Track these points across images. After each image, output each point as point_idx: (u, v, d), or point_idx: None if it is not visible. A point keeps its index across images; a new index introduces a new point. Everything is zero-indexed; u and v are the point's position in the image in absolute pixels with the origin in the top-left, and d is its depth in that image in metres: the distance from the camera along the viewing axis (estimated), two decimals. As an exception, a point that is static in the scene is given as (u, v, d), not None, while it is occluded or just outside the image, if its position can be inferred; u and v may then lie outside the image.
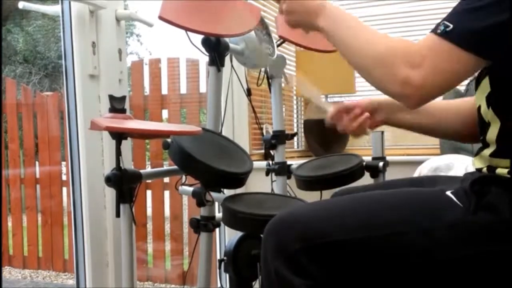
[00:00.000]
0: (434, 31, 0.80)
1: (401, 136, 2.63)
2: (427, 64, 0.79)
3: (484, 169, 0.87)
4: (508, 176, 0.81)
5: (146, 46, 7.79)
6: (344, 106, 1.18)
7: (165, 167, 1.99)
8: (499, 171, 0.83)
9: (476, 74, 0.91)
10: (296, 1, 0.98)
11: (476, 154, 0.92)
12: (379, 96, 1.10)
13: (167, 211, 2.81)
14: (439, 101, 1.17)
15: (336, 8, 0.96)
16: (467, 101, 1.09)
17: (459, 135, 1.12)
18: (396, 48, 0.83)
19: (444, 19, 0.80)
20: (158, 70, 2.78)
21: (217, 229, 1.45)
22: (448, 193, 0.85)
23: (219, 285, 1.40)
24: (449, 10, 0.81)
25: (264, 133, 1.91)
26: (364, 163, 1.57)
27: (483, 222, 0.79)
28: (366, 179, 1.55)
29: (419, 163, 1.82)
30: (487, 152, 0.86)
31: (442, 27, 0.79)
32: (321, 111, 1.22)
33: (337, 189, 1.23)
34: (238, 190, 1.34)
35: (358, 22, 0.92)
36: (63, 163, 3.04)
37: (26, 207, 3.11)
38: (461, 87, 2.27)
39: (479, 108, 0.89)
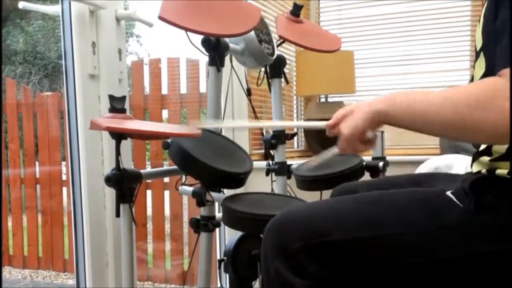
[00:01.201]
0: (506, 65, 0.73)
1: (401, 136, 2.63)
2: None
3: (484, 171, 0.87)
4: (508, 176, 0.81)
5: (146, 47, 7.79)
6: (340, 115, 1.16)
7: (165, 167, 1.99)
8: (499, 171, 0.83)
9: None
10: (344, 111, 0.90)
11: (473, 159, 0.91)
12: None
13: (167, 211, 2.80)
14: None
15: (389, 96, 0.85)
16: None
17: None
18: (487, 86, 0.74)
19: None
20: (158, 70, 2.78)
21: (217, 229, 1.45)
22: (449, 193, 0.85)
23: (219, 285, 1.40)
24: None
25: (264, 133, 1.91)
26: (364, 163, 1.57)
27: (483, 222, 0.79)
28: (366, 179, 1.55)
29: (419, 163, 1.82)
30: (486, 158, 0.86)
31: None
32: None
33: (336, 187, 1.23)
34: (238, 190, 1.34)
35: (418, 92, 0.82)
36: (63, 163, 3.04)
37: (26, 207, 3.11)
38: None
39: None
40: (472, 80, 0.93)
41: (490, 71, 0.83)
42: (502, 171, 0.82)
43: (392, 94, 0.85)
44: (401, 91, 0.87)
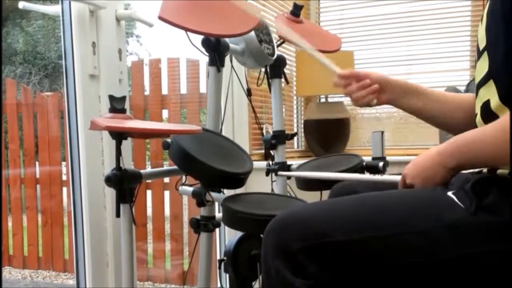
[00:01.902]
0: None
1: (401, 136, 2.63)
2: None
3: (485, 170, 0.87)
4: (509, 177, 0.81)
5: (146, 47, 7.79)
6: (356, 72, 1.18)
7: (165, 167, 1.99)
8: (500, 171, 0.83)
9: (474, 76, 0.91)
10: (414, 169, 0.92)
11: None
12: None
13: (167, 211, 2.80)
14: (444, 91, 1.17)
15: (447, 142, 0.88)
16: (470, 96, 1.09)
17: (458, 127, 1.13)
18: None
19: None
20: (158, 70, 2.78)
21: (217, 229, 1.45)
22: (449, 193, 0.85)
23: (219, 285, 1.40)
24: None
25: (264, 133, 1.91)
26: (364, 163, 1.57)
27: (483, 222, 0.79)
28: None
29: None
30: None
31: None
32: (328, 69, 1.19)
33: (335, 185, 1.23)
34: (238, 190, 1.34)
35: (473, 134, 0.86)
36: (63, 163, 3.04)
37: (26, 207, 3.11)
38: (461, 87, 2.27)
39: (486, 105, 0.88)
40: (473, 79, 0.93)
41: (493, 72, 0.84)
42: (503, 171, 0.82)
43: (456, 144, 0.87)
44: (463, 138, 0.87)
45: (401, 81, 1.18)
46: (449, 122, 1.15)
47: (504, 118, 0.80)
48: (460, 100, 1.13)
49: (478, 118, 0.90)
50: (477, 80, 0.92)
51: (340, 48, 1.65)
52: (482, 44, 0.88)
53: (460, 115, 1.11)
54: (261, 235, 0.88)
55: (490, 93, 0.87)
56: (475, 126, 0.92)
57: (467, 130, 1.05)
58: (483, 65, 0.89)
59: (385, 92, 1.17)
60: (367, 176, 1.18)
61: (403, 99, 1.17)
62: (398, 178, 0.98)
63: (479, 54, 0.90)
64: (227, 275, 1.30)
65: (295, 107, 2.87)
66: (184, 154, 1.16)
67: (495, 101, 0.86)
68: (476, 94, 0.92)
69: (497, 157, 0.81)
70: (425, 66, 2.61)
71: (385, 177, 1.06)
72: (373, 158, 1.66)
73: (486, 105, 0.88)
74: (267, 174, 1.69)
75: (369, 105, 1.18)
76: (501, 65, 0.83)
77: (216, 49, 1.34)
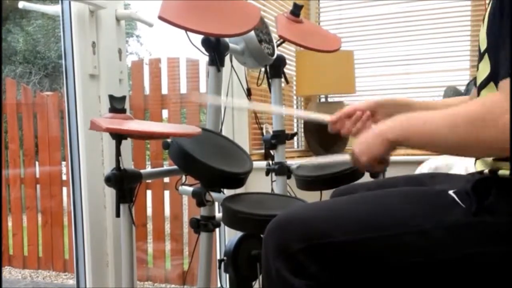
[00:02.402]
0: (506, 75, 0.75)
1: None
2: None
3: (486, 171, 0.87)
4: (510, 177, 0.81)
5: (146, 47, 7.79)
6: (344, 112, 1.18)
7: (165, 167, 1.99)
8: (502, 172, 0.83)
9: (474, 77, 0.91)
10: (362, 143, 0.94)
11: (477, 157, 0.91)
12: (376, 97, 1.10)
13: (167, 211, 2.80)
14: (438, 100, 1.18)
15: (395, 120, 0.90)
16: (460, 100, 1.10)
17: None
18: (484, 104, 0.77)
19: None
20: (158, 70, 2.78)
21: (217, 229, 1.45)
22: (451, 193, 0.85)
23: (219, 285, 1.40)
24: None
25: (264, 133, 1.91)
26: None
27: (484, 223, 0.79)
28: (366, 179, 1.54)
29: (419, 163, 1.82)
30: (490, 157, 0.86)
31: None
32: (317, 121, 1.21)
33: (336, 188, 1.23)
34: (238, 190, 1.34)
35: (421, 113, 0.87)
36: (63, 163, 3.04)
37: (26, 207, 3.11)
38: (461, 87, 2.27)
39: None
40: (475, 80, 0.93)
41: (494, 74, 0.84)
42: (504, 172, 0.82)
43: (401, 119, 0.88)
44: (409, 115, 0.89)
45: (390, 99, 1.18)
46: None
47: (462, 107, 0.81)
48: (449, 105, 1.13)
49: None
50: (479, 81, 0.92)
51: (340, 48, 1.65)
52: (483, 46, 0.89)
53: None
54: (261, 235, 0.88)
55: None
56: None
57: None
58: (485, 67, 0.89)
59: (378, 113, 1.18)
60: (317, 159, 1.19)
61: (397, 114, 1.17)
62: (346, 156, 1.00)
63: (481, 56, 0.90)
64: (227, 275, 1.30)
65: (295, 107, 2.87)
66: (184, 154, 1.16)
67: None
68: (478, 95, 0.92)
69: (434, 141, 0.82)
70: (424, 66, 2.61)
71: (335, 157, 1.07)
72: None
73: None
74: (267, 174, 1.69)
75: None
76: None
77: (216, 49, 1.34)
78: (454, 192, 0.84)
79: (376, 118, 1.17)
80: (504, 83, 0.75)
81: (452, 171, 1.61)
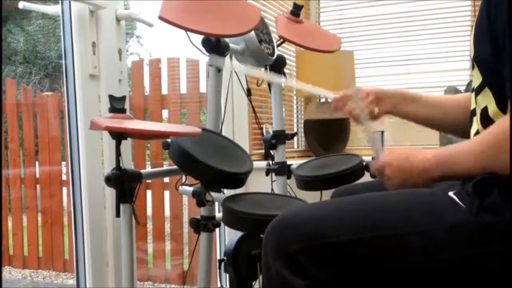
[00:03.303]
0: None
1: (401, 136, 2.63)
2: None
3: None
4: (510, 177, 0.81)
5: (147, 47, 7.79)
6: (350, 91, 1.19)
7: (165, 167, 1.99)
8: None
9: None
10: (400, 166, 0.93)
11: None
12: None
13: (167, 211, 2.80)
14: (440, 95, 1.19)
15: (436, 151, 0.91)
16: (466, 96, 1.10)
17: (459, 129, 1.15)
18: (500, 133, 0.81)
19: None
20: (158, 70, 2.78)
21: (217, 229, 1.45)
22: (451, 193, 0.85)
23: (219, 285, 1.40)
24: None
25: (264, 133, 1.91)
26: (364, 163, 1.57)
27: (485, 223, 0.79)
28: (366, 179, 1.54)
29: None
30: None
31: None
32: (322, 96, 1.23)
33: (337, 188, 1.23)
34: (238, 190, 1.34)
35: (462, 148, 0.88)
36: (63, 163, 3.04)
37: (26, 207, 3.11)
38: (461, 87, 2.27)
39: (485, 112, 0.89)
40: (471, 85, 0.94)
41: (487, 81, 0.84)
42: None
43: (441, 155, 0.90)
44: (444, 150, 0.91)
45: (397, 90, 1.20)
46: (442, 124, 1.18)
47: (483, 134, 0.83)
48: (454, 101, 1.14)
49: (478, 122, 0.90)
50: (474, 86, 0.92)
51: (340, 48, 1.65)
52: (472, 54, 0.89)
53: (451, 117, 1.13)
54: (261, 235, 0.88)
55: (486, 100, 0.88)
56: (470, 125, 0.93)
57: (461, 129, 1.09)
58: (477, 74, 0.90)
59: (383, 102, 1.18)
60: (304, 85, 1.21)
61: (402, 106, 1.18)
62: (330, 93, 0.99)
63: (472, 62, 0.91)
64: (227, 275, 1.30)
65: (295, 107, 2.87)
66: (184, 154, 1.16)
67: (492, 108, 0.86)
68: (475, 101, 0.92)
69: (476, 170, 0.84)
70: (425, 66, 2.61)
71: (322, 91, 1.08)
72: (373, 158, 1.66)
73: (484, 111, 0.89)
74: (267, 174, 1.69)
75: (372, 115, 1.19)
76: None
77: (216, 49, 1.34)
78: (454, 193, 0.84)
79: (381, 106, 1.18)
80: None
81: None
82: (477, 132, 0.92)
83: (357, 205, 0.88)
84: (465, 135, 1.11)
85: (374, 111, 1.19)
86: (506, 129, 0.79)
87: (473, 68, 0.92)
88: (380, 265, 0.82)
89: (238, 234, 1.28)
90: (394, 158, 0.94)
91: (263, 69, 1.55)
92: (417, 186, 0.91)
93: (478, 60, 0.89)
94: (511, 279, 0.79)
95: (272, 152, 1.69)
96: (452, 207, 0.81)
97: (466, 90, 2.13)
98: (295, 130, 2.81)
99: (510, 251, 0.77)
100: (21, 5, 1.70)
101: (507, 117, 0.79)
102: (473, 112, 0.94)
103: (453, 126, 1.16)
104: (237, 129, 2.13)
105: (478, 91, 0.90)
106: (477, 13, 0.89)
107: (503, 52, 0.80)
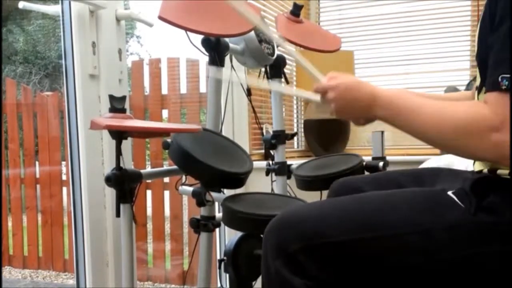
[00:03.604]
0: (495, 87, 0.76)
1: (401, 136, 2.63)
2: (505, 121, 0.75)
3: (485, 170, 0.87)
4: (509, 177, 0.81)
5: (147, 47, 7.79)
6: None
7: (165, 167, 1.99)
8: (500, 172, 0.83)
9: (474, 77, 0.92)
10: (345, 99, 0.94)
11: None
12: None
13: (167, 211, 2.80)
14: (441, 94, 1.18)
15: (388, 93, 0.91)
16: (464, 94, 1.11)
17: None
18: (473, 115, 0.78)
19: (501, 72, 0.76)
20: (158, 70, 2.78)
21: (217, 229, 1.45)
22: (450, 193, 0.85)
23: (219, 285, 1.40)
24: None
25: (264, 133, 1.91)
26: (364, 163, 1.57)
27: (484, 223, 0.79)
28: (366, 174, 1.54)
29: (419, 163, 1.82)
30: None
31: (505, 82, 0.75)
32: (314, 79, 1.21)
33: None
34: (238, 190, 1.34)
35: (414, 100, 0.87)
36: (63, 163, 3.04)
37: (26, 207, 3.11)
38: (461, 87, 2.27)
39: None
40: (473, 79, 0.94)
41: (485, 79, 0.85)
42: (503, 171, 0.82)
43: (390, 100, 0.89)
44: (401, 93, 0.90)
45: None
46: None
47: (451, 108, 0.81)
48: (454, 99, 1.14)
49: None
50: (477, 84, 0.93)
51: (340, 48, 1.65)
52: (475, 52, 0.89)
53: None
54: (261, 235, 0.88)
55: None
56: None
57: None
58: (479, 74, 0.89)
59: None
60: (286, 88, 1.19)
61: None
62: (317, 97, 1.00)
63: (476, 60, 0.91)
64: (227, 275, 1.30)
65: (295, 107, 2.87)
66: (184, 154, 1.16)
67: None
68: (477, 98, 0.92)
69: (419, 137, 0.85)
70: (425, 66, 2.61)
71: (305, 93, 1.08)
72: (373, 158, 1.66)
73: None
74: (267, 174, 1.69)
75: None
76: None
77: (216, 49, 1.34)
78: (453, 193, 0.84)
79: None
80: (491, 96, 0.76)
81: (452, 171, 1.61)
82: None
83: (357, 205, 0.88)
84: None
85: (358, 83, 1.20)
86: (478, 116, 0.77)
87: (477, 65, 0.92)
88: (380, 265, 0.82)
89: (238, 234, 1.28)
90: (339, 83, 0.94)
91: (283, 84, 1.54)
92: (358, 118, 0.93)
93: (478, 59, 0.88)
94: (511, 279, 0.79)
95: (272, 152, 1.69)
96: (451, 207, 0.81)
97: (466, 90, 2.13)
98: (295, 130, 2.81)
99: (510, 251, 0.77)
100: (21, 5, 1.70)
101: (483, 104, 0.78)
102: None
103: None
104: (237, 129, 2.13)
105: (479, 89, 0.90)
106: (481, 13, 0.89)
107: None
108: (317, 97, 1.00)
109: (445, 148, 0.85)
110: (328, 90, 0.95)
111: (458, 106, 0.81)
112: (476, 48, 0.90)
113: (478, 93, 0.91)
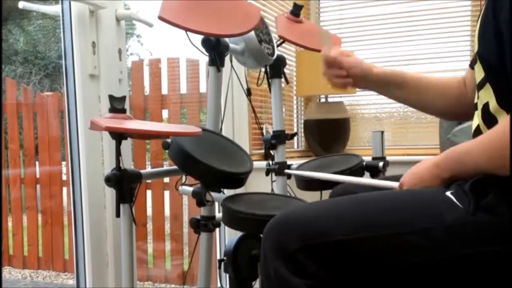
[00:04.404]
0: None
1: (401, 136, 2.63)
2: None
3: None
4: (508, 176, 0.81)
5: (147, 47, 7.80)
6: (340, 61, 1.22)
7: (165, 167, 1.99)
8: (499, 171, 0.83)
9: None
10: (411, 182, 0.93)
11: None
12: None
13: (167, 211, 2.81)
14: (428, 77, 1.19)
15: (444, 154, 0.90)
16: (454, 80, 1.14)
17: (440, 112, 1.22)
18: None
19: None
20: (158, 70, 2.78)
21: (217, 229, 1.45)
22: (448, 193, 0.84)
23: (219, 285, 1.40)
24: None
25: (264, 133, 1.91)
26: (364, 163, 1.57)
27: (482, 223, 0.79)
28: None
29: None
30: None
31: None
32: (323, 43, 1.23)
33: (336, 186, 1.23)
34: (238, 190, 1.34)
35: (470, 147, 0.86)
36: (63, 163, 3.04)
37: (26, 207, 3.11)
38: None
39: (486, 108, 0.89)
40: (472, 62, 0.94)
41: (489, 77, 0.84)
42: (502, 171, 0.82)
43: (453, 158, 0.88)
44: (459, 152, 0.88)
45: (381, 74, 1.19)
46: (430, 110, 1.21)
47: (495, 128, 0.81)
48: (443, 86, 1.16)
49: (479, 117, 0.90)
50: (477, 81, 0.92)
51: (340, 48, 1.65)
52: (475, 49, 0.89)
53: (439, 103, 1.16)
54: (261, 235, 0.88)
55: (488, 95, 0.88)
56: (486, 127, 0.92)
57: (449, 114, 1.17)
58: (479, 69, 0.89)
59: (363, 81, 1.21)
60: (366, 179, 1.19)
61: (381, 90, 1.22)
62: (395, 184, 1.00)
63: (475, 57, 0.91)
64: (227, 275, 1.30)
65: (295, 107, 2.87)
66: (184, 154, 1.16)
67: (493, 104, 0.87)
68: (478, 95, 0.92)
69: (490, 167, 0.82)
70: (425, 66, 2.61)
71: (383, 182, 1.07)
72: (373, 158, 1.66)
73: (485, 107, 0.89)
74: (267, 174, 1.69)
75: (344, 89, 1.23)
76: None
77: (216, 49, 1.34)
78: (451, 193, 0.84)
79: (360, 84, 1.22)
80: None
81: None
82: (478, 127, 0.92)
83: (356, 204, 0.88)
84: (449, 117, 1.16)
85: (346, 88, 1.22)
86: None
87: (475, 62, 0.92)
88: (379, 265, 0.82)
89: (238, 234, 1.28)
90: (405, 177, 0.96)
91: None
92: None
93: (482, 56, 0.88)
94: (510, 279, 0.79)
95: (272, 152, 1.69)
96: (450, 207, 0.81)
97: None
98: (295, 130, 2.81)
99: (509, 251, 0.77)
100: (21, 5, 1.70)
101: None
102: (475, 107, 0.94)
103: (433, 112, 1.22)
104: (237, 129, 2.13)
105: (480, 86, 0.90)
106: (482, 9, 0.89)
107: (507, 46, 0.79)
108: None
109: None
110: (402, 186, 0.96)
111: (500, 127, 0.81)
112: (476, 46, 0.90)
113: (479, 90, 0.91)
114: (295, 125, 2.84)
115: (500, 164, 0.79)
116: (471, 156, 0.85)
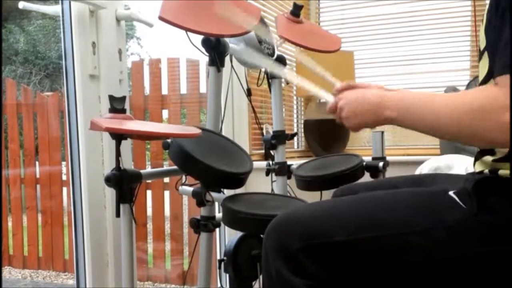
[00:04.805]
0: (506, 70, 0.75)
1: (401, 136, 2.63)
2: None
3: (486, 171, 0.87)
4: (511, 177, 0.81)
5: (147, 48, 7.80)
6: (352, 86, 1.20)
7: (165, 167, 1.99)
8: (502, 172, 0.83)
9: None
10: (354, 103, 0.92)
11: (476, 158, 0.91)
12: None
13: (167, 211, 2.81)
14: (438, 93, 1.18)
15: (395, 91, 0.89)
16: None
17: None
18: (486, 98, 0.77)
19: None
20: (158, 70, 2.78)
21: (217, 229, 1.45)
22: (451, 193, 0.84)
23: (219, 285, 1.40)
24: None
25: (264, 133, 1.91)
26: (364, 163, 1.57)
27: (485, 223, 0.79)
28: (366, 179, 1.55)
29: (419, 163, 1.82)
30: (489, 158, 0.86)
31: None
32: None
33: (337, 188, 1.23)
34: (238, 190, 1.34)
35: (424, 93, 0.86)
36: (63, 163, 3.04)
37: (26, 207, 3.11)
38: (461, 87, 2.27)
39: None
40: (477, 78, 0.93)
41: (491, 71, 0.84)
42: (505, 172, 0.82)
43: (401, 96, 0.87)
44: (407, 91, 0.89)
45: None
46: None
47: (464, 93, 0.82)
48: None
49: None
50: (480, 79, 0.92)
51: (340, 48, 1.65)
52: (483, 44, 0.89)
53: None
54: (261, 235, 0.88)
55: None
56: None
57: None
58: (484, 65, 0.89)
59: None
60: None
61: None
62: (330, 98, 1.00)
63: (480, 54, 0.90)
64: (227, 275, 1.30)
65: (295, 107, 2.87)
66: (184, 154, 1.16)
67: None
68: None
69: (432, 128, 0.82)
70: (425, 66, 2.61)
71: (323, 93, 1.08)
72: (373, 158, 1.66)
73: None
74: (267, 174, 1.69)
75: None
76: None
77: (216, 49, 1.34)
78: (454, 193, 0.84)
79: None
80: (503, 79, 0.75)
81: (453, 171, 1.61)
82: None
83: (357, 205, 0.88)
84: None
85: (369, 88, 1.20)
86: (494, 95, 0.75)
87: (479, 59, 0.91)
88: (380, 265, 0.82)
89: (238, 234, 1.28)
90: (348, 92, 0.95)
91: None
92: (370, 124, 0.90)
93: (491, 49, 0.87)
94: (510, 279, 0.79)
95: (272, 152, 1.69)
96: (452, 207, 0.81)
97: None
98: (295, 130, 2.81)
99: (509, 251, 0.77)
100: (21, 5, 1.70)
101: (493, 87, 0.77)
102: None
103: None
104: (237, 129, 2.13)
105: (483, 82, 0.90)
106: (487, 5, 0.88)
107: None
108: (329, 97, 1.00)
109: (459, 136, 0.81)
110: (338, 100, 0.96)
111: (468, 93, 0.81)
112: (484, 42, 0.89)
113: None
114: (295, 125, 2.84)
115: (446, 132, 0.80)
116: (419, 106, 0.84)
